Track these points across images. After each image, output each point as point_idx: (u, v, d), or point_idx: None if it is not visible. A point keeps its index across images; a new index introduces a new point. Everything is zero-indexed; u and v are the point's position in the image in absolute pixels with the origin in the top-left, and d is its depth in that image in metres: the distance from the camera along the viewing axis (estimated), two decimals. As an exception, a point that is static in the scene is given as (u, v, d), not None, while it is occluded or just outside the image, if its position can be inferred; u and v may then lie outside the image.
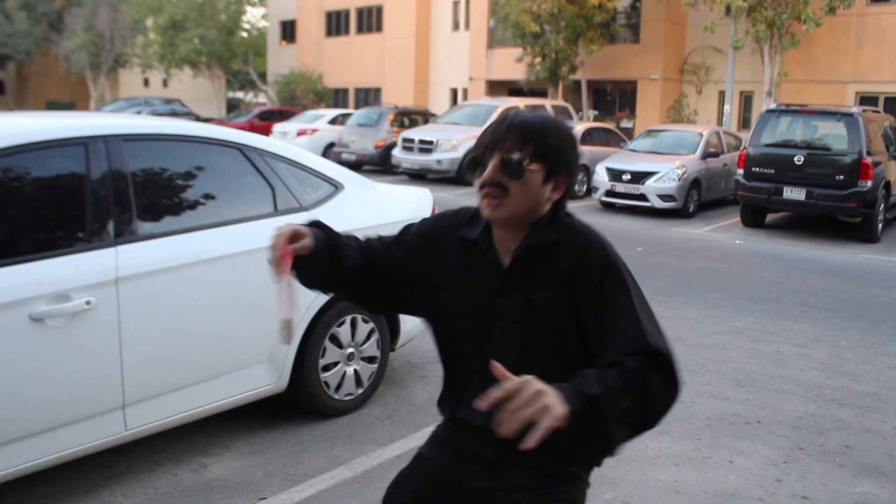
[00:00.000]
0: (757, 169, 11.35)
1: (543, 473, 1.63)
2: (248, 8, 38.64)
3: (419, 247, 1.72)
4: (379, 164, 18.31)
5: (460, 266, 1.65)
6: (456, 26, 30.06)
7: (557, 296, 1.57)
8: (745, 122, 21.92)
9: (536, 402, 1.26)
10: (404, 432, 3.94)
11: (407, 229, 1.76)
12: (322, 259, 1.64)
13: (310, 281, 1.69)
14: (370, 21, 32.63)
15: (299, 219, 3.80)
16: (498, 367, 1.31)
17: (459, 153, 15.71)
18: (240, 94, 45.71)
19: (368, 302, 1.81)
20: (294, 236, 1.58)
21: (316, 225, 1.68)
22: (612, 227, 10.79)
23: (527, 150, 1.52)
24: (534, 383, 1.28)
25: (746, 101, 22.56)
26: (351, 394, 4.14)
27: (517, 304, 1.59)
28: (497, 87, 27.38)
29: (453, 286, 1.66)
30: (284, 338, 1.62)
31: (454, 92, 30.14)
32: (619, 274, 1.56)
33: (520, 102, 17.95)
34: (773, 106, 12.98)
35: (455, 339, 1.69)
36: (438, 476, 1.72)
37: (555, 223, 1.59)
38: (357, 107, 30.12)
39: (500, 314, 1.61)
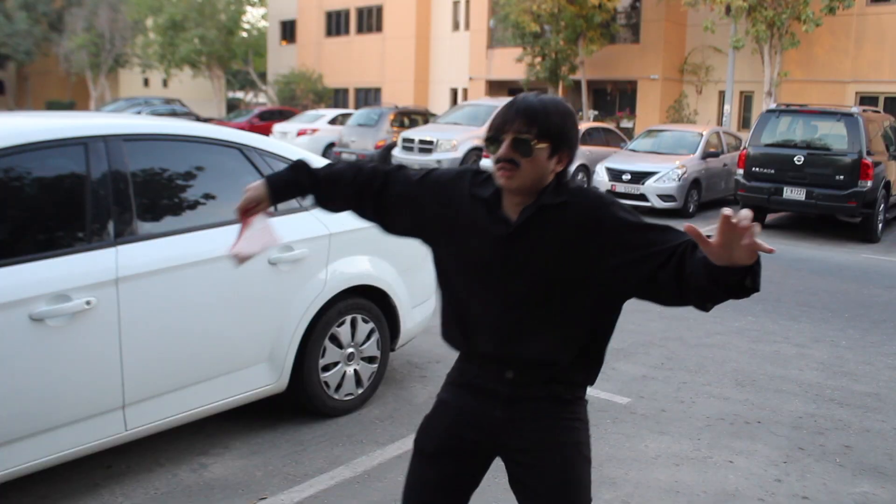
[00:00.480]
0: (757, 169, 11.35)
1: (554, 401, 1.89)
2: (248, 8, 38.64)
3: (438, 191, 1.95)
4: (379, 165, 18.27)
5: (473, 219, 1.87)
6: (456, 26, 30.05)
7: (563, 251, 1.79)
8: (745, 122, 21.91)
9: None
10: (404, 432, 3.94)
11: (430, 173, 2.00)
12: (302, 194, 2.09)
13: (322, 206, 2.13)
14: (370, 21, 32.62)
15: (299, 219, 3.84)
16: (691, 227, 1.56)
17: (459, 153, 15.71)
18: (240, 94, 45.71)
19: (382, 223, 2.07)
20: (250, 203, 2.07)
21: (304, 170, 2.07)
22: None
23: (533, 130, 1.74)
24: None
25: (746, 101, 22.55)
26: (351, 394, 4.14)
27: (519, 260, 1.81)
28: (497, 87, 27.37)
29: (466, 235, 1.87)
30: (235, 263, 2.10)
31: (454, 92, 30.14)
32: (632, 219, 1.78)
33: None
34: (773, 106, 12.98)
35: (465, 281, 1.90)
36: (463, 415, 1.94)
37: (562, 187, 1.82)
38: (357, 107, 30.12)
39: (507, 267, 1.82)
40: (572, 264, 1.78)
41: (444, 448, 1.96)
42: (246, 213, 2.07)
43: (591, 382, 1.96)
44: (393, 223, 2.04)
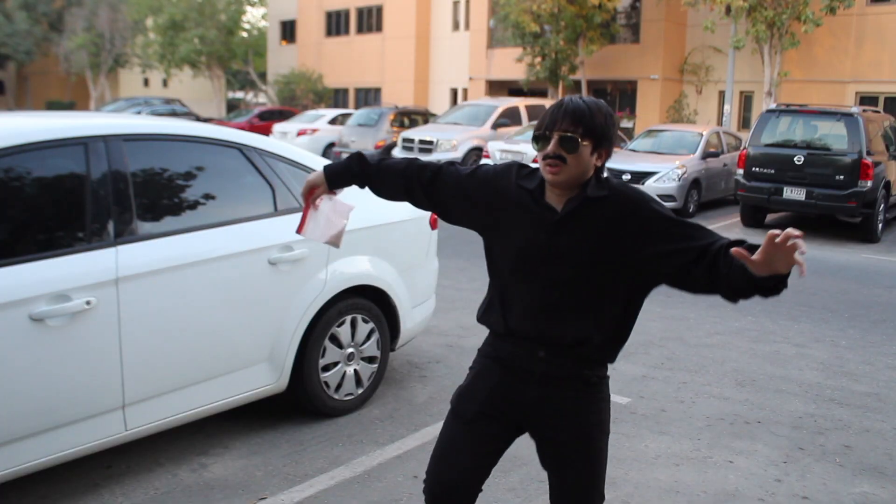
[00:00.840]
0: (757, 169, 11.35)
1: (583, 383, 2.09)
2: (248, 8, 38.63)
3: (487, 183, 2.12)
4: (379, 165, 18.27)
5: (519, 209, 2.05)
6: (456, 26, 30.05)
7: (603, 240, 1.97)
8: (745, 122, 21.91)
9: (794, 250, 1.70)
10: (404, 432, 3.94)
11: (479, 168, 2.19)
12: (357, 182, 2.29)
13: (376, 194, 2.32)
14: (370, 21, 32.62)
15: (299, 219, 3.83)
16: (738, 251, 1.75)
17: (460, 153, 15.71)
18: (240, 94, 45.69)
19: (439, 214, 2.27)
20: (311, 190, 2.32)
21: (358, 158, 2.28)
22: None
23: (579, 130, 1.93)
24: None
25: (746, 101, 22.55)
26: (351, 394, 4.14)
27: (563, 246, 1.98)
28: (497, 87, 27.38)
29: (512, 224, 2.05)
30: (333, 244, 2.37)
31: (454, 92, 30.14)
32: (667, 214, 1.98)
33: (520, 102, 17.98)
34: (773, 106, 12.98)
35: (509, 266, 2.07)
36: (498, 389, 2.12)
37: (604, 183, 2.00)
38: (357, 107, 30.13)
39: (551, 252, 2.00)
40: (610, 252, 1.97)
41: (482, 415, 2.13)
42: (308, 196, 2.32)
43: (613, 360, 2.16)
44: (448, 214, 2.23)
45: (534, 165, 2.11)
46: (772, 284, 1.80)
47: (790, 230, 1.67)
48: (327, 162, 4.25)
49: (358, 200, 4.20)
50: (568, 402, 2.08)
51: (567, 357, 2.05)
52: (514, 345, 2.09)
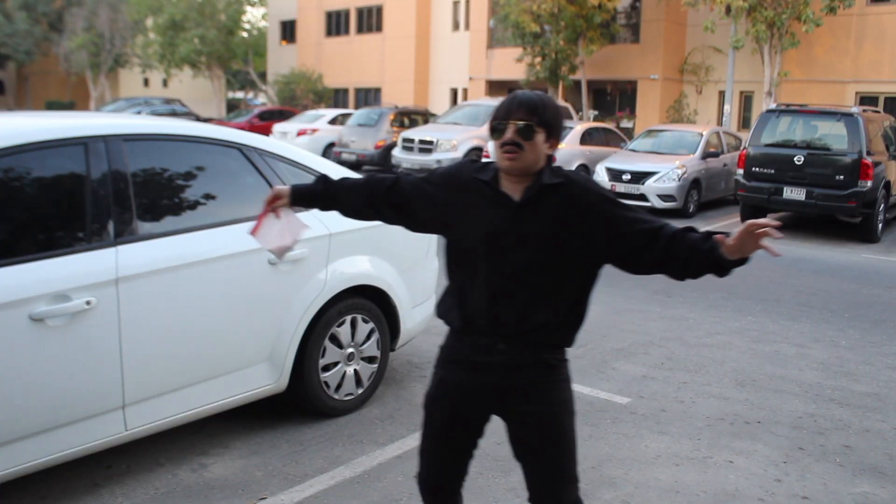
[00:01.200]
0: (757, 169, 11.35)
1: (543, 366, 2.17)
2: (248, 8, 38.60)
3: (444, 182, 2.23)
4: (379, 164, 18.30)
5: (477, 201, 2.14)
6: (456, 26, 30.04)
7: (560, 226, 2.07)
8: (745, 122, 21.91)
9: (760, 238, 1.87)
10: (404, 432, 3.94)
11: (435, 171, 2.29)
12: (320, 204, 2.40)
13: (345, 215, 2.42)
14: (370, 21, 32.61)
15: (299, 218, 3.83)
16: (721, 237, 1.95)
17: (459, 153, 15.71)
18: (240, 95, 45.67)
19: (403, 225, 2.36)
20: (275, 198, 2.39)
21: (320, 179, 2.39)
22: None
23: (534, 119, 2.06)
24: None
25: (746, 101, 22.54)
26: (351, 394, 4.14)
27: (525, 232, 2.08)
28: (497, 87, 27.36)
29: (472, 216, 2.14)
30: (277, 257, 2.48)
31: (454, 92, 30.13)
32: (618, 200, 2.13)
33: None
34: (773, 106, 12.98)
35: (469, 258, 2.16)
36: (462, 390, 2.21)
37: (558, 171, 2.12)
38: (357, 107, 30.11)
39: (511, 239, 2.09)
40: (566, 237, 2.08)
41: (451, 421, 2.25)
42: (269, 203, 2.38)
43: (571, 344, 2.23)
44: (413, 220, 2.31)
45: (485, 160, 2.24)
46: (735, 265, 1.98)
47: (768, 221, 1.85)
48: (328, 162, 4.27)
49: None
50: (531, 385, 2.16)
51: (526, 345, 2.13)
52: (472, 342, 2.17)
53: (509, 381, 2.16)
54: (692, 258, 1.99)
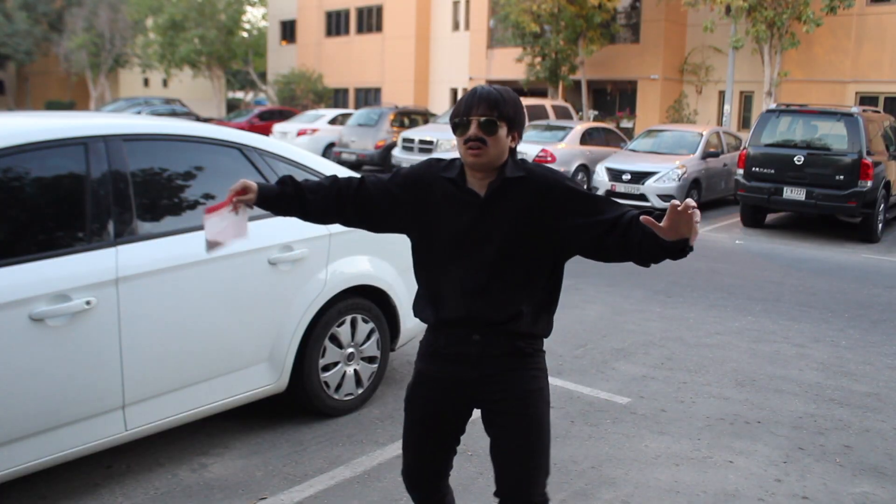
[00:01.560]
0: (757, 169, 11.35)
1: (518, 355, 2.21)
2: (248, 8, 38.61)
3: (410, 182, 2.23)
4: (379, 164, 18.30)
5: (444, 199, 2.17)
6: (456, 26, 30.04)
7: (526, 218, 2.11)
8: (745, 122, 21.90)
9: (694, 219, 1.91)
10: (404, 432, 3.94)
11: (398, 171, 2.28)
12: (284, 205, 2.27)
13: (305, 217, 2.33)
14: (370, 21, 32.61)
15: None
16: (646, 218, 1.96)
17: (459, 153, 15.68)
18: (240, 95, 45.67)
19: (365, 226, 2.35)
20: (243, 190, 2.23)
21: (286, 180, 2.27)
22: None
23: (494, 113, 2.08)
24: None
25: (746, 101, 22.54)
26: (351, 394, 4.14)
27: (492, 227, 2.12)
28: (497, 87, 27.31)
29: (439, 214, 2.17)
30: (207, 248, 2.30)
31: (454, 92, 30.13)
32: (580, 190, 2.17)
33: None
34: (773, 106, 12.97)
35: (438, 256, 2.19)
36: (440, 383, 2.25)
37: (520, 164, 2.16)
38: (357, 107, 30.11)
39: (480, 234, 2.13)
40: (533, 228, 2.12)
41: (430, 413, 2.28)
42: (234, 194, 2.23)
43: (548, 334, 2.26)
44: (375, 220, 2.31)
45: (448, 157, 2.26)
46: (679, 248, 1.99)
47: (689, 201, 1.91)
48: (328, 162, 4.27)
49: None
50: (507, 374, 2.20)
51: (501, 335, 2.17)
52: (447, 335, 2.21)
53: (484, 371, 2.19)
54: (644, 241, 2.02)
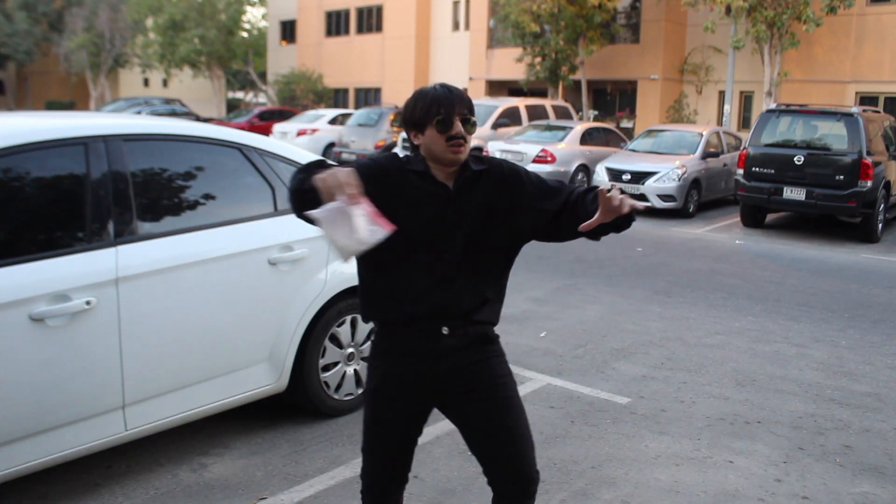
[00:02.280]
0: (757, 169, 11.35)
1: (484, 342, 2.27)
2: (248, 8, 38.62)
3: (374, 177, 2.15)
4: (379, 164, 18.27)
5: (411, 192, 2.18)
6: (456, 26, 30.05)
7: (490, 207, 2.20)
8: (745, 122, 21.90)
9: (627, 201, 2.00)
10: (404, 432, 3.94)
11: (360, 164, 2.16)
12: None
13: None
14: (370, 21, 32.61)
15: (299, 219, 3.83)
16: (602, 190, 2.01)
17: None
18: (240, 95, 45.69)
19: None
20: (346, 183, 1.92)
21: (319, 164, 2.14)
22: (612, 227, 10.77)
23: (472, 113, 2.18)
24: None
25: (746, 101, 22.54)
26: (351, 394, 4.14)
27: (459, 218, 2.18)
28: (497, 87, 27.38)
29: (405, 207, 2.16)
30: (345, 257, 1.97)
31: (454, 92, 30.10)
32: (535, 175, 2.30)
33: (520, 102, 17.97)
34: (773, 106, 12.97)
35: (402, 249, 2.16)
36: (412, 380, 2.24)
37: (479, 158, 2.26)
38: (357, 107, 30.11)
39: (448, 225, 2.17)
40: (497, 216, 2.21)
41: (399, 413, 2.27)
42: (356, 197, 1.90)
43: (498, 321, 2.33)
44: None
45: (395, 151, 2.28)
46: (620, 224, 2.08)
47: (607, 189, 2.00)
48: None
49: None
50: (477, 364, 2.24)
51: (468, 324, 2.21)
52: (415, 331, 2.20)
53: (456, 363, 2.21)
54: (587, 218, 2.11)
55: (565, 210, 2.19)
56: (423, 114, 2.15)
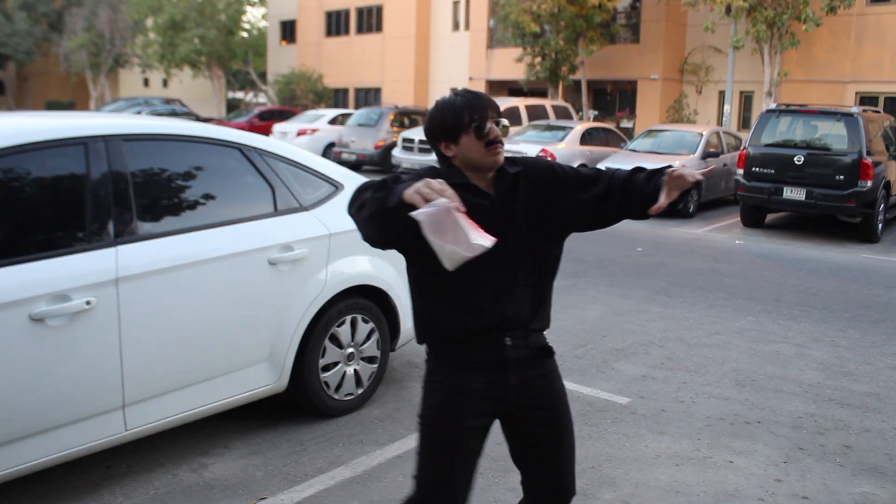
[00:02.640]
0: (757, 169, 11.35)
1: (544, 352, 2.23)
2: (248, 8, 38.62)
3: None
4: (379, 164, 18.30)
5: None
6: (456, 26, 30.05)
7: (534, 209, 2.16)
8: (745, 122, 21.91)
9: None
10: (404, 432, 3.94)
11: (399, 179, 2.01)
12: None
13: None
14: (370, 21, 32.61)
15: (299, 218, 3.84)
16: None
17: (459, 153, 15.68)
18: (240, 95, 45.70)
19: (398, 243, 2.14)
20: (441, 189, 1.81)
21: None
22: (611, 227, 10.76)
23: (500, 114, 2.15)
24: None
25: (746, 101, 22.55)
26: (351, 394, 4.14)
27: (509, 223, 2.13)
28: (497, 87, 27.38)
29: None
30: (452, 263, 1.82)
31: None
32: (567, 166, 2.26)
33: (520, 102, 17.97)
34: (773, 106, 12.97)
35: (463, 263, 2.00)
36: (476, 395, 2.14)
37: (514, 159, 2.22)
38: (357, 107, 30.11)
39: (499, 232, 2.05)
40: (541, 215, 2.17)
41: (465, 430, 2.16)
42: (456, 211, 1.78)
43: (549, 324, 2.28)
44: (403, 237, 2.06)
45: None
46: (680, 199, 2.13)
47: (676, 169, 2.07)
48: (328, 162, 4.26)
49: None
50: (542, 377, 2.21)
51: (528, 333, 2.17)
52: (479, 345, 2.14)
53: (523, 375, 2.17)
54: (645, 201, 2.13)
55: (611, 194, 2.17)
56: (456, 122, 2.10)
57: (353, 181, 4.25)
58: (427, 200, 1.76)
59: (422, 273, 2.16)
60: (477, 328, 2.12)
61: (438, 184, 1.79)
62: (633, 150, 14.19)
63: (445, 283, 2.10)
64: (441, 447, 2.17)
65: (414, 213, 1.76)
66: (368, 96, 32.63)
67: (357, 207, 1.96)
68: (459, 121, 2.09)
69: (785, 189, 11.06)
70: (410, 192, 1.77)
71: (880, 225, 11.23)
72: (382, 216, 1.86)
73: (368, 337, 4.17)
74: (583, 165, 14.52)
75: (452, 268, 1.82)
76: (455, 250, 1.77)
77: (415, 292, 2.22)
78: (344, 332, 4.04)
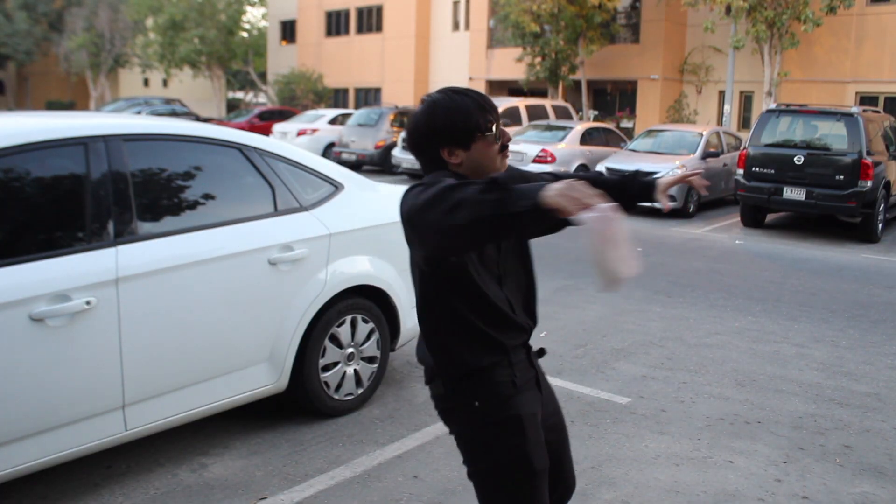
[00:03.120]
0: (757, 169, 11.35)
1: (540, 353, 2.20)
2: (248, 8, 38.61)
3: None
4: (379, 164, 18.31)
5: None
6: (456, 26, 30.05)
7: None
8: (745, 122, 21.91)
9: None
10: (404, 432, 3.94)
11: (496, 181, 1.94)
12: None
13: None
14: (370, 21, 32.61)
15: (299, 218, 3.84)
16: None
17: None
18: (240, 95, 45.69)
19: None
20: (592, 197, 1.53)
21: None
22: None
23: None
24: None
25: (746, 101, 22.55)
26: (351, 394, 4.14)
27: None
28: (497, 87, 27.38)
29: None
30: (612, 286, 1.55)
31: (454, 92, 30.08)
32: (544, 173, 2.21)
33: (520, 102, 17.97)
34: (773, 106, 12.97)
35: (488, 278, 1.95)
36: (536, 416, 2.04)
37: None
38: (357, 107, 30.12)
39: (508, 243, 2.01)
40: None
41: (545, 454, 2.05)
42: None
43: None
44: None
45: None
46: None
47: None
48: (328, 162, 4.26)
49: (357, 200, 4.22)
50: (545, 379, 2.18)
51: (529, 339, 2.11)
52: (515, 361, 2.00)
53: (543, 381, 2.16)
54: (642, 194, 2.15)
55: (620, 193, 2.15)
56: (469, 125, 1.87)
57: (352, 181, 4.26)
58: (582, 206, 1.46)
59: (457, 294, 1.91)
60: (514, 344, 1.99)
61: (583, 186, 1.48)
62: (633, 150, 14.19)
63: (482, 303, 1.92)
64: (540, 479, 1.99)
65: (583, 218, 1.46)
66: (368, 96, 32.63)
67: (447, 209, 1.58)
68: (473, 123, 1.87)
69: (785, 189, 11.06)
70: (555, 196, 1.47)
71: (880, 225, 11.23)
72: (502, 221, 1.54)
73: (368, 337, 4.17)
74: (583, 165, 14.61)
75: (607, 290, 1.54)
76: (618, 269, 1.49)
77: (446, 319, 1.95)
78: (344, 332, 4.04)
